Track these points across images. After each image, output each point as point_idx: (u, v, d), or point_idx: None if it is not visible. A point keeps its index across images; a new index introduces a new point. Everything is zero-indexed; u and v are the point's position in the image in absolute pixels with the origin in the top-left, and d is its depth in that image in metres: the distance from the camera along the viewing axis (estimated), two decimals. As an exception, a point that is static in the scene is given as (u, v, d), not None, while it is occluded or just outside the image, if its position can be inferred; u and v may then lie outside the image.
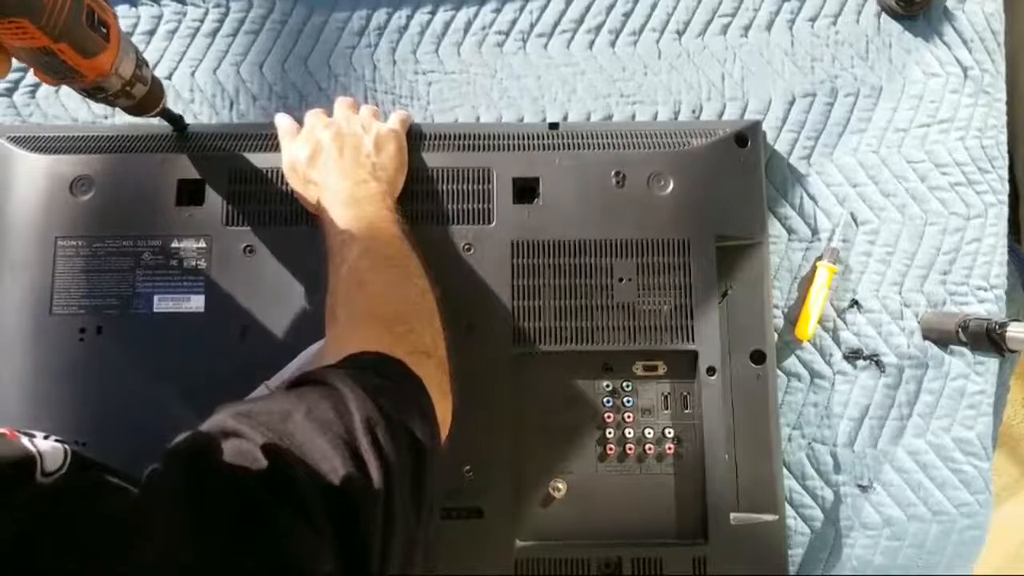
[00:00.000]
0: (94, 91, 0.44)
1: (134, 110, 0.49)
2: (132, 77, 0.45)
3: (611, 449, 0.55)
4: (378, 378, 0.36)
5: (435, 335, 0.45)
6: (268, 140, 0.58)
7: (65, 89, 0.64)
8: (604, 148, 0.58)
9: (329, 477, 0.29)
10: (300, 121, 0.57)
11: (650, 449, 0.55)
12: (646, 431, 0.56)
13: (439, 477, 0.53)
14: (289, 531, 0.27)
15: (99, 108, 0.64)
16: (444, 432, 0.40)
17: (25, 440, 0.25)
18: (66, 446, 0.26)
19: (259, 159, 0.57)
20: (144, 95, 0.48)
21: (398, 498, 0.31)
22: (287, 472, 0.28)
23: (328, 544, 0.28)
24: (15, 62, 0.39)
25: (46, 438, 0.26)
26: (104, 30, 0.41)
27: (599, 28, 0.65)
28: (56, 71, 0.41)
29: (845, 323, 0.61)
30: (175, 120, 0.56)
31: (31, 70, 0.67)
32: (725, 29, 0.65)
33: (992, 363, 0.61)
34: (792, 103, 0.63)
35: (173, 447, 0.30)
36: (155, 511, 0.26)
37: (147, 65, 0.47)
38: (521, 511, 0.55)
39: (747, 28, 0.65)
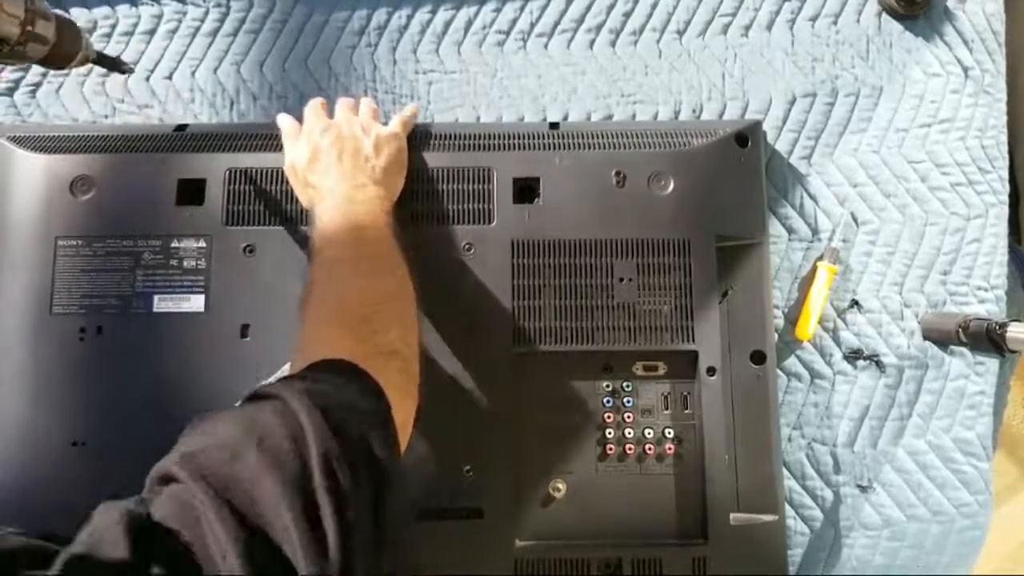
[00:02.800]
0: None
1: (57, 59, 0.43)
2: (27, 13, 0.39)
3: (611, 449, 0.55)
4: (336, 391, 0.35)
5: (404, 332, 0.44)
6: (268, 140, 0.58)
7: (66, 89, 0.64)
8: (604, 148, 0.58)
9: (279, 539, 0.28)
10: (301, 120, 0.57)
11: (650, 449, 0.55)
12: (646, 431, 0.56)
13: (438, 478, 0.53)
14: None
15: (99, 108, 0.64)
16: (405, 437, 0.40)
17: None
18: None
19: (259, 159, 0.57)
20: (57, 36, 0.42)
21: (357, 538, 0.30)
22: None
23: None
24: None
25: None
26: None
27: (599, 28, 0.65)
28: None
29: (845, 323, 0.61)
30: (115, 64, 0.49)
31: (31, 70, 0.67)
32: (726, 29, 0.65)
33: (992, 363, 0.61)
34: (792, 103, 0.63)
35: (107, 511, 0.28)
36: None
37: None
38: (521, 511, 0.55)
39: (748, 28, 0.65)
